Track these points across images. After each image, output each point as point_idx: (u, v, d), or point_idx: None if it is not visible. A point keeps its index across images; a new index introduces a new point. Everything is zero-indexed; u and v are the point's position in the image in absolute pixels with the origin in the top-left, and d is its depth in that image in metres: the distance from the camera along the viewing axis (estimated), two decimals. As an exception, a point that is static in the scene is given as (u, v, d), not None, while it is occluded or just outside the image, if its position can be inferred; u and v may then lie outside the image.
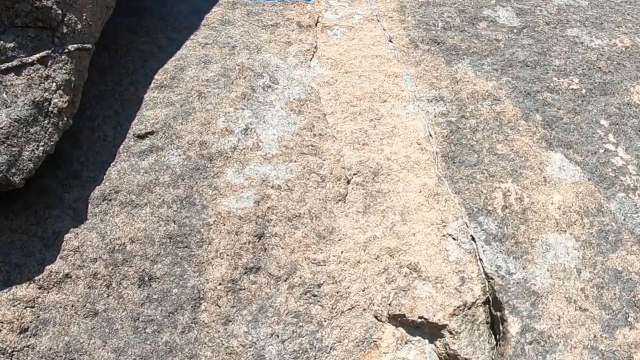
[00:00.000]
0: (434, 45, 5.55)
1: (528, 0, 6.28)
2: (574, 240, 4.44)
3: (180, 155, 4.41)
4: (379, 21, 5.74)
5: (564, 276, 4.27)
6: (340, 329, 3.99)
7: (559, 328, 4.07)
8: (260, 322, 3.92)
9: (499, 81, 5.31)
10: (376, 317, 4.08)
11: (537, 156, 4.84)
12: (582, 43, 5.90)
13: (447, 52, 5.51)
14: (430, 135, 4.87)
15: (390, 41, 5.55)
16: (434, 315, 4.05)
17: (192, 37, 5.22)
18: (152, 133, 4.49)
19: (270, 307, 3.97)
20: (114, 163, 4.37)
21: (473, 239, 4.36)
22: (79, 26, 4.14)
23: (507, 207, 4.51)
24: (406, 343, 4.09)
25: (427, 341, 4.13)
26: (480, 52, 5.55)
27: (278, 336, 3.90)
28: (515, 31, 5.85)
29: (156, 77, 4.85)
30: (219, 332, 3.87)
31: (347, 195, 4.44)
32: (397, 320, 4.09)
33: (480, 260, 4.28)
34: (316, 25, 5.63)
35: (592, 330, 4.09)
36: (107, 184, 4.26)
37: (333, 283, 4.08)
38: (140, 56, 5.01)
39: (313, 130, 4.70)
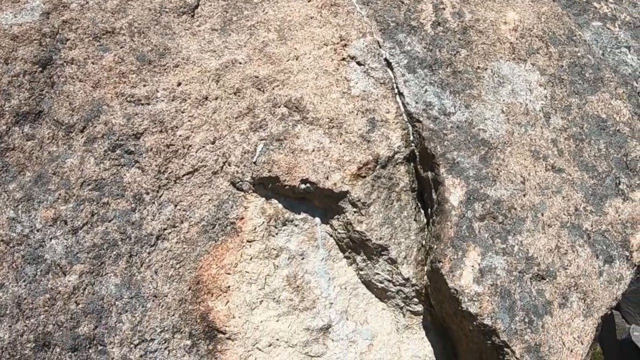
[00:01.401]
0: None
1: None
2: (538, 73, 2.55)
3: None
4: None
5: (526, 121, 2.37)
6: (175, 206, 2.02)
7: (524, 196, 2.18)
8: (37, 200, 1.90)
9: None
10: (234, 184, 2.10)
11: (481, -36, 2.80)
12: None
13: None
14: None
15: None
16: (327, 177, 2.09)
17: None
18: None
19: (54, 174, 1.97)
20: None
21: (388, 63, 2.37)
22: None
23: (439, 24, 2.51)
24: (283, 224, 2.12)
25: (317, 220, 2.17)
26: None
27: (66, 222, 1.92)
28: None
29: None
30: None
31: (197, 8, 2.37)
32: (268, 187, 2.14)
33: (400, 94, 2.32)
34: None
35: (572, 200, 2.28)
36: None
37: (161, 131, 2.07)
38: None
39: None
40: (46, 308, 1.86)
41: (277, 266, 2.10)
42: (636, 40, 3.04)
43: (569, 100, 2.52)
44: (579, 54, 2.68)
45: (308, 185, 2.08)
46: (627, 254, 2.23)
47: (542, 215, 2.22)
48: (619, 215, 2.29)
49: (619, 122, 2.53)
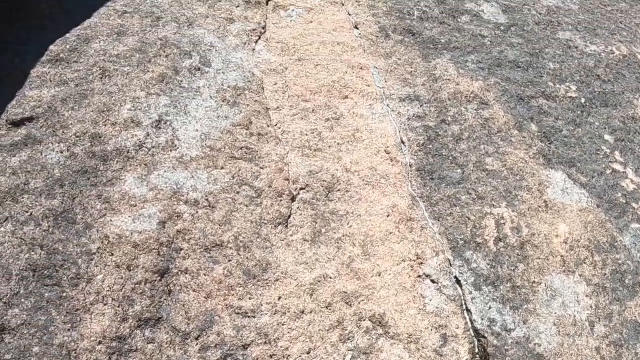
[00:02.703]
0: (408, 36, 4.05)
1: (513, -3, 4.82)
2: (585, 284, 3.04)
3: (62, 152, 2.85)
4: (343, 4, 4.21)
5: (574, 332, 2.86)
6: (273, 409, 2.46)
7: (572, 409, 2.63)
8: (157, 397, 2.38)
9: (486, 81, 3.84)
10: (324, 391, 2.55)
11: (535, 174, 3.39)
12: (576, 47, 4.49)
13: (423, 44, 4.02)
14: (403, 142, 3.37)
15: (356, 27, 4.04)
16: (405, 390, 2.54)
17: (109, 3, 3.62)
18: (30, 119, 2.93)
19: (172, 376, 2.42)
20: (-28, 161, 2.78)
21: (458, 281, 2.88)
22: None
23: (500, 240, 3.03)
24: None
25: (393, 423, 2.61)
26: (463, 47, 4.08)
27: (183, 422, 2.36)
28: (502, 28, 4.39)
29: (51, 47, 3.28)
30: (93, 413, 2.32)
31: (290, 217, 2.90)
32: None
33: (468, 310, 2.81)
34: (267, 3, 4.07)
35: None
36: (-44, 188, 2.68)
37: (265, 343, 2.55)
38: (39, 21, 3.42)
39: (250, 127, 3.16)
40: None
41: None
42: (670, 240, 3.58)
43: (611, 308, 3.02)
44: (620, 261, 3.20)
45: (389, 397, 2.56)
46: None
47: None
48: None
49: (654, 326, 3.04)
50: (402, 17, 4.17)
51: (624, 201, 3.57)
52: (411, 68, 3.80)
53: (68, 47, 3.30)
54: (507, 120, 3.63)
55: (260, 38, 3.74)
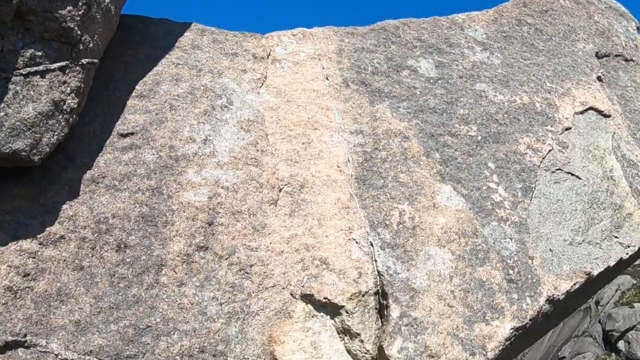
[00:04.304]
0: (361, 86, 7.36)
1: (448, 54, 7.96)
2: (450, 254, 6.28)
3: (153, 154, 6.19)
4: (319, 60, 7.55)
5: (438, 279, 6.05)
6: (264, 300, 5.87)
7: (429, 317, 5.88)
8: (205, 287, 5.76)
9: (409, 122, 7.22)
10: (291, 295, 5.92)
11: (431, 186, 6.78)
12: (486, 97, 7.64)
13: (371, 93, 7.36)
14: (348, 161, 6.73)
15: (327, 78, 7.40)
16: (335, 297, 5.90)
17: (167, 56, 6.93)
18: (132, 133, 6.24)
19: (213, 277, 5.81)
20: (101, 153, 5.94)
21: (371, 244, 6.25)
22: (91, 44, 5.75)
23: (400, 223, 6.48)
24: (312, 316, 5.89)
25: (328, 317, 5.85)
26: (399, 96, 7.41)
27: (217, 299, 5.74)
28: (431, 81, 7.66)
29: (137, 87, 6.50)
30: (174, 291, 5.67)
31: (278, 200, 6.32)
32: (307, 298, 5.86)
33: (375, 260, 6.09)
34: (268, 57, 7.41)
35: (456, 322, 5.81)
36: (95, 169, 5.84)
37: (261, 265, 5.96)
38: (123, 67, 6.65)
39: (257, 146, 6.61)
40: None
41: (307, 336, 6.04)
42: (518, 234, 6.90)
43: (465, 270, 6.40)
44: (477, 243, 6.58)
45: (326, 300, 5.91)
46: (484, 352, 6.17)
47: (438, 327, 6.05)
48: (482, 332, 5.91)
49: (493, 283, 6.35)
50: (359, 71, 7.59)
51: (491, 207, 6.93)
52: (360, 110, 7.23)
53: (147, 87, 6.68)
54: (419, 150, 7.06)
55: (263, 84, 7.24)
